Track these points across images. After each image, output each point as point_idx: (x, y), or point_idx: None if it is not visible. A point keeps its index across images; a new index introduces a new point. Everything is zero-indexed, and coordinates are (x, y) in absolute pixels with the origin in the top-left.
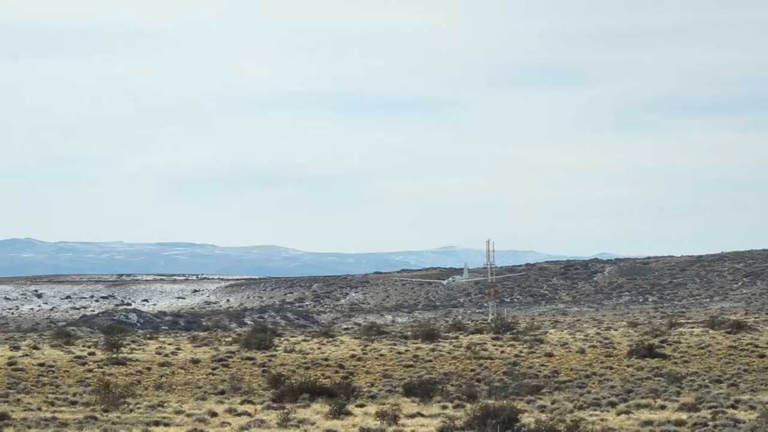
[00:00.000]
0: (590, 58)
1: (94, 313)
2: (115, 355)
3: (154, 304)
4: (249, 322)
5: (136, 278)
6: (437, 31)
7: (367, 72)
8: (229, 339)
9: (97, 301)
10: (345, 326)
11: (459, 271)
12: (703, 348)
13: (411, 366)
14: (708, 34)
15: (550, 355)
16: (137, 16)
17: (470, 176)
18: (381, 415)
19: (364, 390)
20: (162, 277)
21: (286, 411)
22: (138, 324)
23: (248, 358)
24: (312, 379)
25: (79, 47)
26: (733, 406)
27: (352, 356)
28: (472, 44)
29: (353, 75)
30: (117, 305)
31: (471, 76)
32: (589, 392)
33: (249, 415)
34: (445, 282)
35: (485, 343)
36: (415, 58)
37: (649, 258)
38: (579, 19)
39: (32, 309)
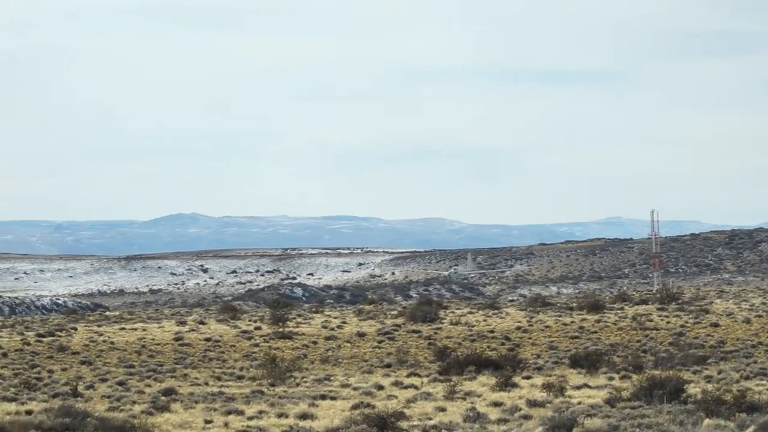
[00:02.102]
0: (755, 26)
1: (259, 287)
2: (281, 330)
3: (319, 278)
4: (414, 295)
5: (300, 252)
6: (600, 2)
7: (531, 43)
8: (395, 312)
9: (262, 275)
10: (510, 298)
11: (625, 242)
12: None
13: (577, 337)
14: None
15: (716, 325)
16: None
17: (636, 147)
18: (547, 387)
19: (531, 362)
20: (327, 251)
21: (452, 383)
22: (303, 298)
23: (414, 331)
24: (478, 351)
25: (239, 24)
26: None
27: (518, 328)
28: (636, 15)
29: (516, 47)
30: (282, 279)
31: (635, 46)
32: (755, 362)
33: (415, 387)
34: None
35: (650, 314)
36: (579, 29)
37: None
38: None
39: (198, 284)
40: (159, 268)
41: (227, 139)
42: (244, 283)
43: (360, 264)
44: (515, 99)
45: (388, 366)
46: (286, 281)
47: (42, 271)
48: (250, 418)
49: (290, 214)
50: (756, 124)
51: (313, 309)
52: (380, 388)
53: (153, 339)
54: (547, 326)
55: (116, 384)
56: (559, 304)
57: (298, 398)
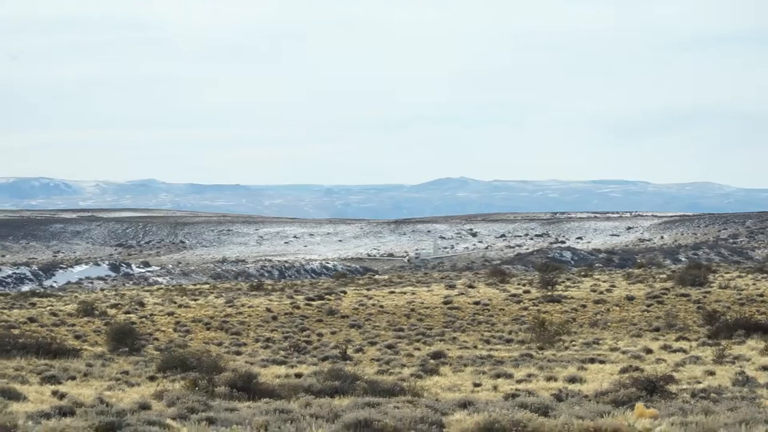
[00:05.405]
0: None
1: (528, 251)
2: (549, 293)
3: (588, 242)
4: (683, 259)
5: (569, 216)
6: None
7: None
8: (664, 276)
9: (531, 239)
10: None
11: None
12: None
13: None
14: None
15: None
16: None
17: None
18: None
19: None
20: (595, 214)
21: (721, 347)
22: (572, 261)
23: (683, 295)
24: (747, 315)
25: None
26: None
27: None
28: None
29: None
30: (551, 243)
31: None
32: None
33: (684, 351)
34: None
35: None
36: None
37: None
38: None
39: (467, 248)
40: (428, 232)
41: (495, 109)
42: (513, 247)
43: (629, 228)
44: None
45: (657, 330)
46: (554, 245)
47: (311, 235)
48: (519, 381)
49: (559, 178)
50: None
51: (582, 273)
52: (649, 351)
53: (422, 303)
54: None
55: (385, 347)
56: None
57: (566, 362)
